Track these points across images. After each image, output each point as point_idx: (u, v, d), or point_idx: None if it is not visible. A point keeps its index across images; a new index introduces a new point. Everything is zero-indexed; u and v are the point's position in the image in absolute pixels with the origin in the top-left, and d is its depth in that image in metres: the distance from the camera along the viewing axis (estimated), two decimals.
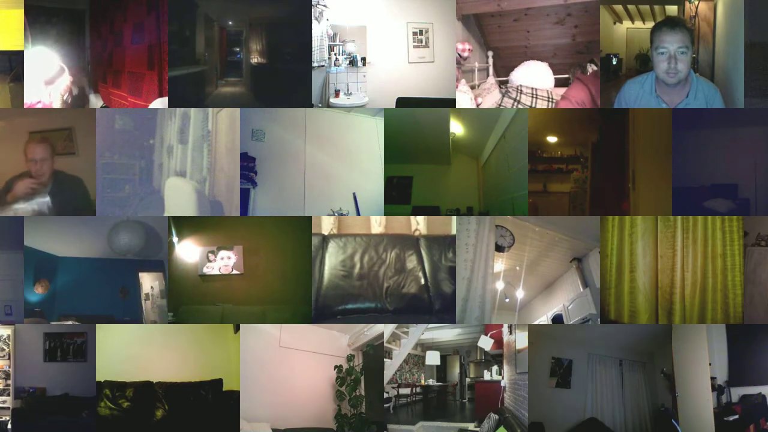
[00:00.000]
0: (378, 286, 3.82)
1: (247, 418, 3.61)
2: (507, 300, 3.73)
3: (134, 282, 3.87)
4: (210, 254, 3.81)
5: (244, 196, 3.71)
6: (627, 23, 4.07)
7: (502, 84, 4.10)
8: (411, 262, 3.91)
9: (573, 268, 3.91)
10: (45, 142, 3.64)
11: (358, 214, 4.01)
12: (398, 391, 4.11)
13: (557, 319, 3.78)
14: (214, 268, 3.81)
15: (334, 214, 3.91)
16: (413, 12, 4.04)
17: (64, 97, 3.64)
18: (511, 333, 3.73)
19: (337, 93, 4.00)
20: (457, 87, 3.78)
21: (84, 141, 3.71)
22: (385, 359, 3.84)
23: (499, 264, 3.70)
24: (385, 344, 3.81)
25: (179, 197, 3.74)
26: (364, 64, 4.02)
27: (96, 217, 3.69)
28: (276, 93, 3.69)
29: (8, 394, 3.62)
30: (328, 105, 3.99)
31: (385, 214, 3.76)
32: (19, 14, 3.59)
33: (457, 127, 4.14)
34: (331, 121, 4.14)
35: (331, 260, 3.82)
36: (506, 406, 3.75)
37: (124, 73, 3.81)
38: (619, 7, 4.00)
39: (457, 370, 4.31)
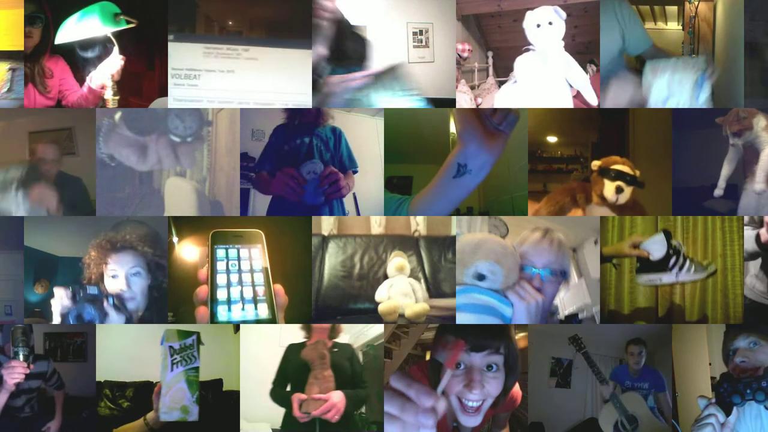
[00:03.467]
0: (378, 287, 3.81)
1: (247, 418, 3.60)
2: None
3: None
4: None
5: (244, 196, 3.71)
6: None
7: (502, 84, 4.10)
8: (411, 263, 3.90)
9: None
10: (55, 143, 3.65)
11: (358, 214, 4.01)
12: None
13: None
14: None
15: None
16: (413, 12, 4.04)
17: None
18: None
19: None
20: (457, 87, 3.78)
21: (84, 141, 3.71)
22: (385, 359, 3.83)
23: None
24: (385, 344, 3.81)
25: (179, 197, 3.74)
26: None
27: (96, 217, 3.69)
28: None
29: None
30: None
31: (385, 214, 3.75)
32: (19, 14, 3.58)
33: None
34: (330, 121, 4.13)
35: (331, 261, 3.81)
36: None
37: (123, 73, 3.80)
38: None
39: None
